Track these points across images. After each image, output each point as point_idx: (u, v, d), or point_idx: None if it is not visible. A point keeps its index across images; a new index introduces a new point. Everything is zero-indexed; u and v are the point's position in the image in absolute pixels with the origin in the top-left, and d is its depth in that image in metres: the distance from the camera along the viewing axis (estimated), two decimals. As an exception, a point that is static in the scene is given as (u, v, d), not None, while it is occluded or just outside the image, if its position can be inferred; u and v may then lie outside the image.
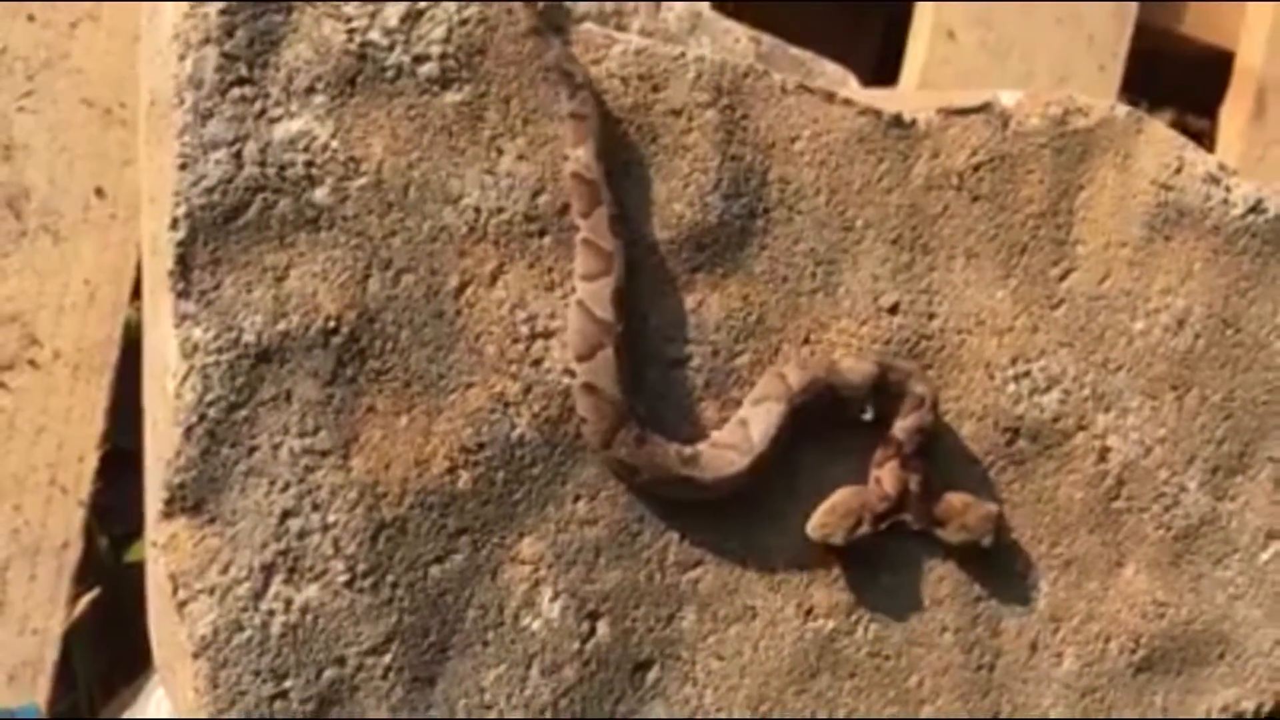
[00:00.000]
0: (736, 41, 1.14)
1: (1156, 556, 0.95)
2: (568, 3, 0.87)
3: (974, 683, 0.92)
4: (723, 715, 0.87)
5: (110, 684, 1.20)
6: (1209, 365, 0.96)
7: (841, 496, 0.89)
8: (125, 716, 1.13)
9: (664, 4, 1.12)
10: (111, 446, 1.10)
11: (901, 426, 0.88)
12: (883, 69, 1.50)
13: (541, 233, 0.85)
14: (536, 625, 0.85)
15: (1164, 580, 0.95)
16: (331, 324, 0.82)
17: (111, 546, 1.21)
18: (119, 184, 1.10)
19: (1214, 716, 0.96)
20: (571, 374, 0.84)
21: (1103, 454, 0.95)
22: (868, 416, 0.88)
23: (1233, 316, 0.97)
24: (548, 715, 0.84)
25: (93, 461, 1.09)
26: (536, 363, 0.85)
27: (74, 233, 1.09)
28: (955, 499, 0.90)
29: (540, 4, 0.84)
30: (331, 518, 0.82)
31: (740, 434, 0.86)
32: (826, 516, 0.88)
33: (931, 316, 0.92)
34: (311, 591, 0.81)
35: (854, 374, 0.88)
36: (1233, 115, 1.51)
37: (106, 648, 1.20)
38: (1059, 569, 0.94)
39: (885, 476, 0.89)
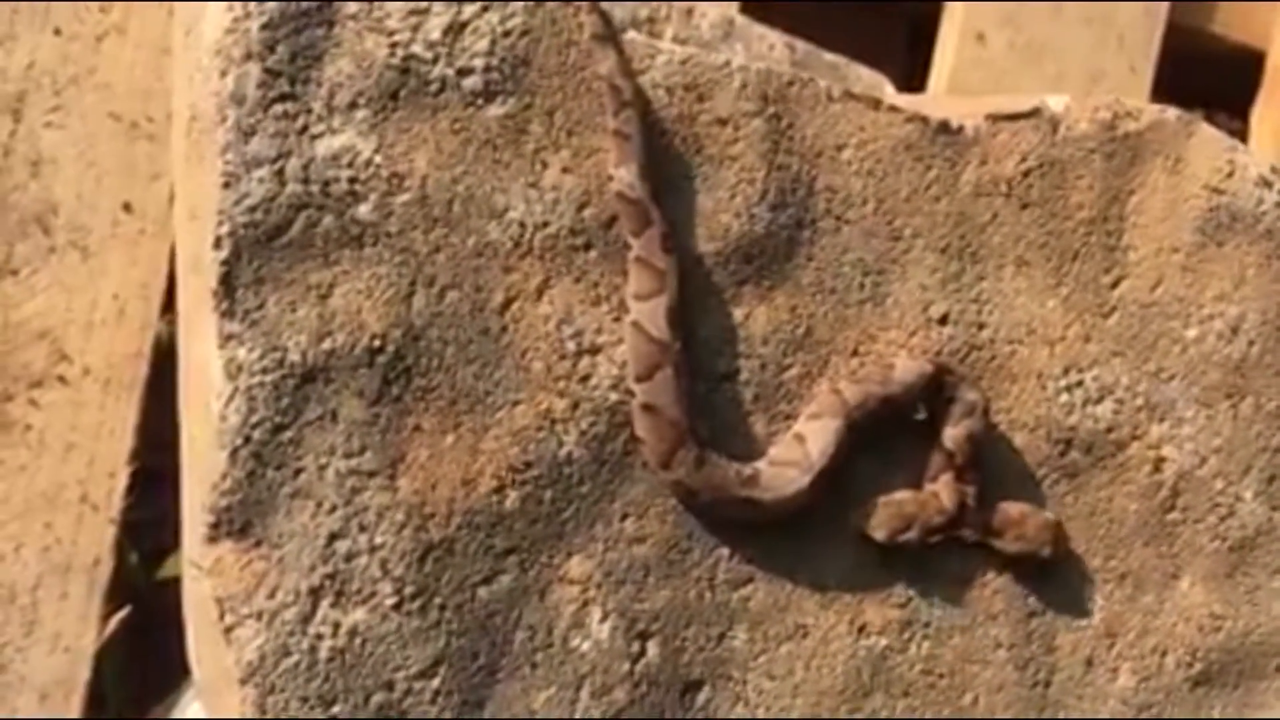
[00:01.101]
0: (771, 48, 1.13)
1: (1212, 568, 0.94)
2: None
3: (1029, 700, 0.90)
4: (774, 735, 0.86)
5: (142, 702, 1.19)
6: (1263, 372, 0.95)
7: (901, 497, 0.87)
8: (166, 717, 1.12)
9: (696, 11, 1.11)
10: (141, 463, 1.10)
11: (951, 435, 0.87)
12: (909, 72, 1.48)
13: (587, 246, 0.84)
14: (586, 646, 0.83)
15: (1220, 592, 0.94)
16: (376, 342, 0.81)
17: (141, 563, 1.20)
18: (147, 198, 1.09)
19: (1274, 731, 0.95)
20: (628, 393, 0.83)
21: (1157, 464, 0.93)
22: (920, 416, 0.87)
23: (1287, 323, 0.95)
24: (597, 737, 0.83)
25: (123, 478, 1.09)
26: (584, 379, 0.84)
27: (102, 248, 1.08)
28: (1012, 509, 0.89)
29: (605, 11, 0.83)
30: (379, 539, 0.80)
31: (799, 450, 0.84)
32: (878, 510, 0.86)
33: (982, 326, 0.91)
34: (359, 615, 0.80)
35: (908, 373, 0.86)
36: (1265, 115, 1.50)
37: (138, 666, 1.19)
38: (1114, 582, 0.92)
39: (943, 491, 0.87)
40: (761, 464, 0.85)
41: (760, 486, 0.84)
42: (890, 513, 0.86)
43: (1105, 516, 0.92)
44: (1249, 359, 0.95)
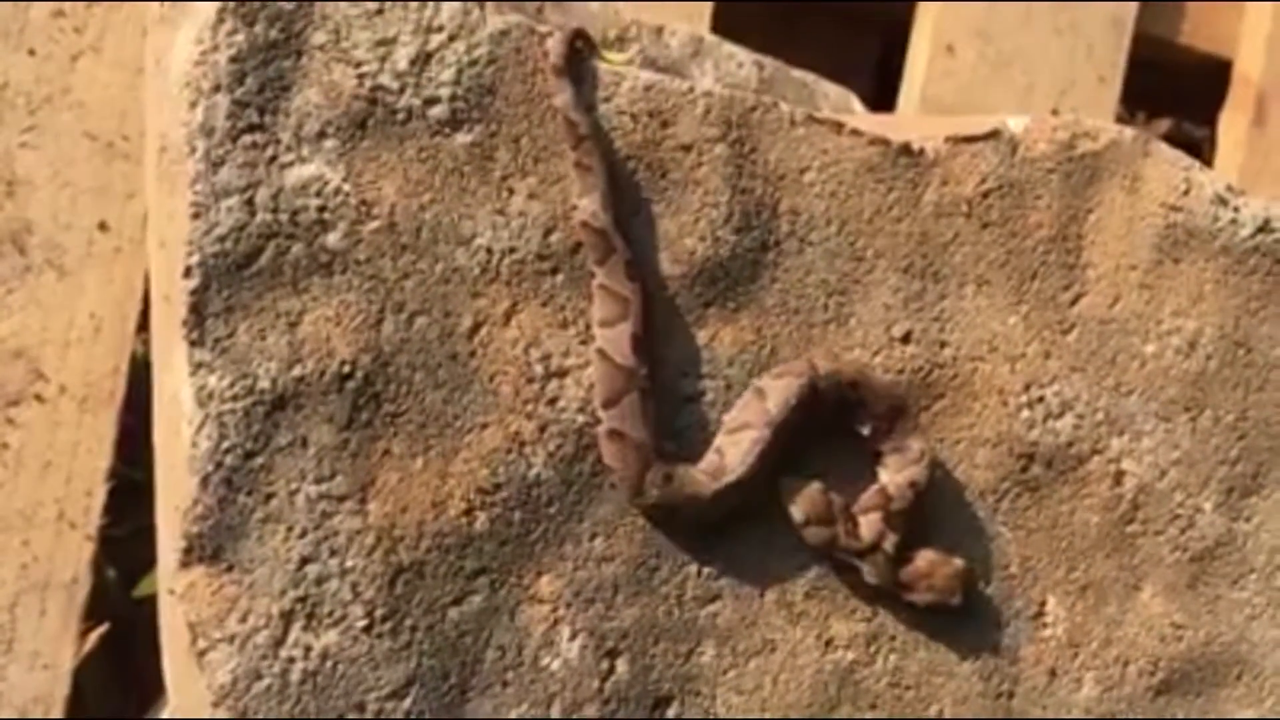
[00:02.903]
0: (739, 66, 1.14)
1: (1173, 579, 0.96)
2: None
3: (994, 711, 0.92)
4: (743, 749, 0.87)
5: (120, 718, 1.20)
6: (1221, 386, 0.97)
7: (835, 501, 0.87)
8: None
9: (666, 29, 1.12)
10: (119, 479, 1.10)
11: (894, 481, 0.88)
12: (881, 84, 1.49)
13: (554, 271, 0.85)
14: (556, 665, 0.85)
15: (1181, 603, 0.96)
16: (346, 368, 0.82)
17: (119, 580, 1.21)
18: (123, 217, 1.09)
19: (1234, 739, 0.96)
20: (593, 418, 0.84)
21: (1117, 478, 0.95)
22: (864, 430, 0.88)
23: (1244, 337, 0.97)
24: (568, 753, 0.84)
25: (100, 495, 1.09)
26: (551, 401, 0.85)
27: (78, 267, 1.08)
28: (922, 561, 0.89)
29: (575, 44, 0.84)
30: (349, 563, 0.81)
31: (756, 407, 0.85)
32: (811, 491, 0.86)
33: (944, 345, 0.92)
34: (330, 637, 0.81)
35: (882, 376, 0.87)
36: (1232, 123, 1.51)
37: (116, 682, 1.20)
38: (1076, 594, 0.94)
39: (865, 525, 0.87)
40: (720, 438, 0.85)
41: (728, 469, 0.84)
42: (819, 502, 0.86)
43: (1067, 529, 0.94)
44: (1207, 373, 0.96)
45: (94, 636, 1.14)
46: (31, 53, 1.08)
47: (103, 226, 1.09)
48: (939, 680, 0.91)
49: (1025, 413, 0.93)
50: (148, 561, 1.08)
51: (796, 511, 0.86)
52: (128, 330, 1.10)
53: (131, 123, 1.09)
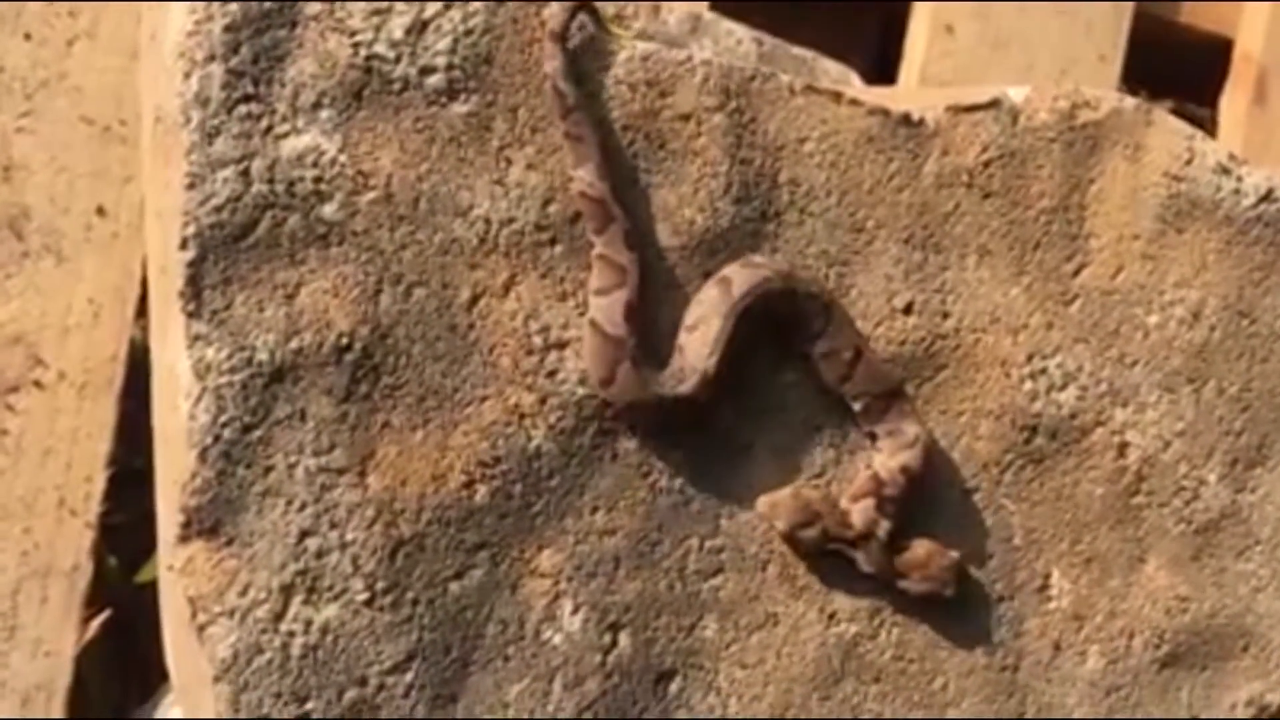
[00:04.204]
0: (738, 43, 1.14)
1: (1178, 551, 0.95)
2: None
3: (998, 684, 0.91)
4: (747, 723, 0.87)
5: (122, 706, 1.19)
6: (1225, 357, 0.96)
7: (810, 494, 0.86)
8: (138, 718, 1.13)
9: (664, 7, 1.12)
10: (119, 466, 1.10)
11: (886, 465, 0.87)
12: (881, 65, 1.49)
13: (553, 242, 0.85)
14: (558, 638, 0.84)
15: (1186, 575, 0.95)
16: (344, 340, 0.82)
17: (120, 566, 1.20)
18: (120, 202, 1.09)
19: (1239, 713, 0.96)
20: (590, 393, 0.84)
21: (1121, 449, 0.94)
22: (856, 407, 0.88)
23: (1247, 307, 0.96)
24: (571, 728, 0.84)
25: (100, 482, 1.09)
26: (551, 374, 0.84)
27: (76, 252, 1.08)
28: (919, 549, 0.88)
29: (576, 13, 0.84)
30: (349, 536, 0.81)
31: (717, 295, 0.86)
32: (785, 498, 0.86)
33: (946, 315, 0.92)
34: (331, 611, 0.80)
35: (881, 362, 0.87)
36: (1233, 102, 1.51)
37: (119, 669, 1.19)
38: (1080, 567, 0.93)
39: (856, 512, 0.87)
40: (730, 270, 0.85)
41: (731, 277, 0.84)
42: (797, 505, 0.86)
43: (1070, 501, 0.93)
44: (1210, 344, 0.96)
45: (96, 623, 1.13)
46: (27, 37, 1.08)
47: (100, 211, 1.09)
48: (943, 653, 0.91)
49: (1028, 384, 0.93)
50: (149, 548, 1.08)
51: (780, 524, 0.86)
52: (126, 315, 1.10)
53: (128, 107, 1.09)
